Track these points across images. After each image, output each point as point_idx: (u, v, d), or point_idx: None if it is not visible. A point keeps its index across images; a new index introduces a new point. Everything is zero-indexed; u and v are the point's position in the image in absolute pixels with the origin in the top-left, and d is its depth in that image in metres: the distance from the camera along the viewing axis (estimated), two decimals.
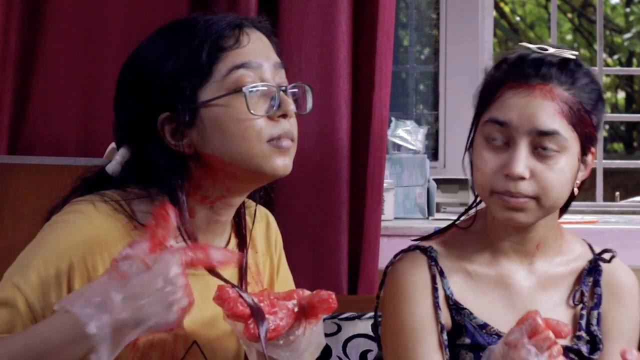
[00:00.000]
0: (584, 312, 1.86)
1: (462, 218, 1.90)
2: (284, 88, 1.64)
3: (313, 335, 1.61)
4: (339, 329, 2.23)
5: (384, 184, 2.51)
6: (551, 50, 1.79)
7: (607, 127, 8.05)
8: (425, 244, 1.85)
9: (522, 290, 1.84)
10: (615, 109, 8.53)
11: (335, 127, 2.39)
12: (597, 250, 1.92)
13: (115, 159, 1.67)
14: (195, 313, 1.66)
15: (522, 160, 1.74)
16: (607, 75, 7.93)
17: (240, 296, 1.55)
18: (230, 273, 1.71)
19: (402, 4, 2.97)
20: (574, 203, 1.91)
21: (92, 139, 2.41)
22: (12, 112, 2.40)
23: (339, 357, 2.23)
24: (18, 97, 2.41)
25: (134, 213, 1.63)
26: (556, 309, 1.84)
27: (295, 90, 1.68)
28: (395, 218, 2.72)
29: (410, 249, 1.85)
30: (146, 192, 1.64)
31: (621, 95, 8.76)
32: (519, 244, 1.83)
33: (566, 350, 1.79)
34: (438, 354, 1.78)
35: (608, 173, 3.20)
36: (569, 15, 8.52)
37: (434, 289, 1.80)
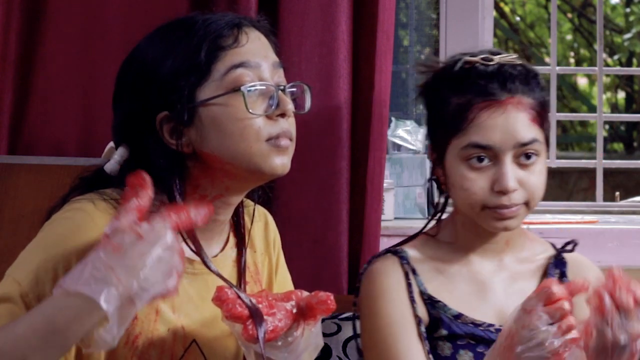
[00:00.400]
0: None
1: (428, 226, 1.98)
2: (282, 87, 1.64)
3: (311, 336, 1.61)
4: (339, 329, 2.23)
5: (384, 184, 2.51)
6: (496, 58, 1.87)
7: (607, 127, 8.05)
8: (396, 248, 1.93)
9: (494, 284, 1.92)
10: (615, 109, 8.53)
11: (335, 126, 2.38)
12: (558, 246, 2.00)
13: (114, 158, 1.67)
14: (195, 312, 1.66)
15: (512, 175, 1.82)
16: (607, 75, 7.93)
17: (239, 297, 1.55)
18: (229, 272, 1.71)
19: (402, 4, 2.97)
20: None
21: (92, 139, 2.40)
22: (12, 112, 2.40)
23: (339, 357, 2.23)
24: (18, 97, 2.41)
25: None
26: None
27: (294, 89, 1.68)
28: (395, 218, 2.72)
29: (382, 254, 1.93)
30: None
31: (621, 95, 8.76)
32: (490, 243, 1.92)
33: None
34: (418, 345, 1.84)
35: (608, 173, 3.20)
36: (569, 15, 8.52)
37: (408, 285, 1.87)
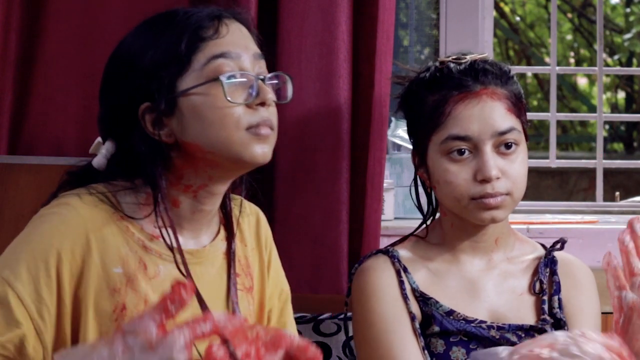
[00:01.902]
0: (545, 298, 1.95)
1: (419, 230, 2.00)
2: (262, 77, 1.65)
3: None
4: (339, 329, 2.23)
5: (384, 184, 2.51)
6: (468, 57, 1.92)
7: (607, 127, 8.05)
8: (387, 248, 1.96)
9: (484, 282, 1.94)
10: (615, 109, 8.53)
11: (335, 126, 2.38)
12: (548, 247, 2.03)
13: (101, 152, 1.69)
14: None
15: (493, 163, 1.85)
16: (607, 75, 7.94)
17: (228, 351, 1.50)
18: (219, 263, 1.72)
19: (402, 4, 2.96)
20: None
21: (92, 138, 2.38)
22: (12, 112, 2.40)
23: (339, 357, 2.23)
24: (18, 97, 2.41)
25: (119, 204, 1.64)
26: (521, 297, 1.94)
27: (276, 81, 1.69)
28: (395, 218, 2.72)
29: (373, 254, 1.96)
30: (131, 183, 1.65)
31: (621, 95, 8.77)
32: (479, 242, 1.94)
33: (531, 329, 1.88)
34: (413, 341, 1.86)
35: (608, 173, 3.20)
36: (569, 15, 8.53)
37: (400, 282, 1.90)
